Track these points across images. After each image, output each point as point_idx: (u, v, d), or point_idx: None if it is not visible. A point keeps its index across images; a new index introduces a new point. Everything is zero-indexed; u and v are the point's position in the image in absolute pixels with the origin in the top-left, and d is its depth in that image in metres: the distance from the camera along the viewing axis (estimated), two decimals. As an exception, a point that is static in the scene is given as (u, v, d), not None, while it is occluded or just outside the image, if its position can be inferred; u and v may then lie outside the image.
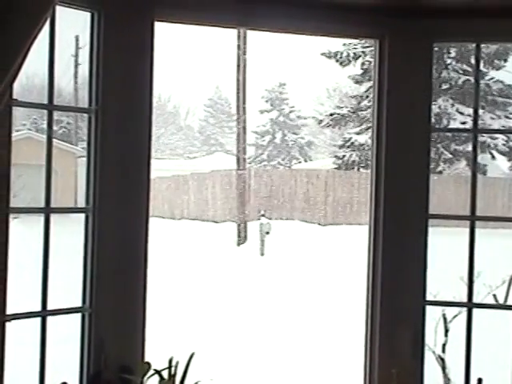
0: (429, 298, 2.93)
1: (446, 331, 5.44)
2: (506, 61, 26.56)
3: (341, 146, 30.28)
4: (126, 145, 2.63)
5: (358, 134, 28.97)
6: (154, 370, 2.55)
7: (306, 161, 45.25)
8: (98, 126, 2.59)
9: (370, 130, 26.69)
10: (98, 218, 2.59)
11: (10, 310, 2.43)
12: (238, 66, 22.61)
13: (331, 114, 29.66)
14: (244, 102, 22.70)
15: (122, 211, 2.62)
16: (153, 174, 2.74)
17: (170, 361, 2.55)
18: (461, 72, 26.02)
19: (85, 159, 2.69)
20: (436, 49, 2.92)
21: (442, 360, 4.96)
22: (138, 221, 2.65)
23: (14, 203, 2.44)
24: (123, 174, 2.62)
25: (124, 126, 2.62)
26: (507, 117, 26.68)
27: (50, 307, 2.54)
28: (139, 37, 2.62)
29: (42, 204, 2.54)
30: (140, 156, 2.65)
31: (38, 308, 2.52)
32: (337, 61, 28.33)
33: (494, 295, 6.60)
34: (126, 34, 2.60)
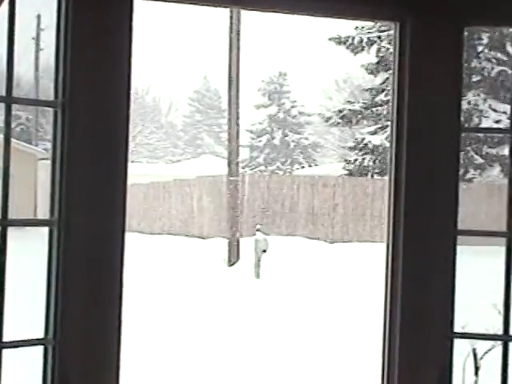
0: (456, 329, 2.93)
1: (477, 369, 5.44)
2: (547, 48, 26.65)
3: (352, 149, 30.38)
4: (99, 145, 2.63)
5: (372, 134, 29.07)
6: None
7: (310, 165, 45.36)
8: (65, 122, 2.59)
9: (387, 130, 26.77)
10: (64, 232, 2.59)
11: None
12: (231, 52, 22.65)
13: (340, 111, 29.78)
14: (237, 95, 22.72)
15: (92, 224, 2.62)
16: (128, 181, 2.75)
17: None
18: (494, 61, 26.12)
19: (47, 162, 2.70)
20: (466, 33, 2.94)
21: (473, 403, 4.97)
22: (111, 236, 2.65)
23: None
24: (94, 179, 2.62)
25: (96, 122, 2.62)
26: (549, 114, 26.72)
27: (6, 338, 2.53)
28: (115, 17, 2.63)
29: (-3, 215, 2.53)
30: (115, 158, 2.65)
31: (-9, 339, 2.52)
32: (348, 47, 28.45)
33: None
34: (100, 13, 2.60)
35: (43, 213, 25.42)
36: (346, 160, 31.20)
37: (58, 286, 2.60)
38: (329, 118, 30.42)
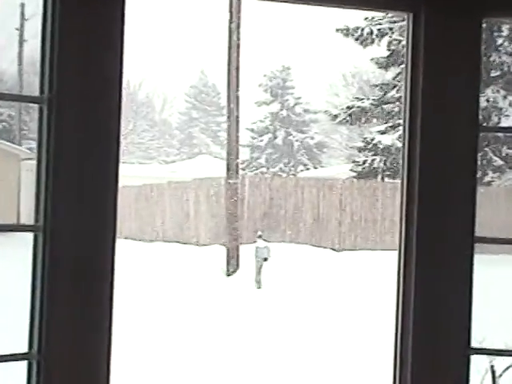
0: (474, 344, 2.93)
1: (496, 388, 5.44)
2: None
3: (361, 149, 30.40)
4: (88, 144, 2.63)
5: (382, 133, 29.09)
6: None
7: (315, 167, 45.38)
8: (52, 119, 2.60)
9: (398, 129, 26.78)
10: (49, 238, 2.59)
11: None
12: (230, 44, 22.68)
13: (349, 108, 29.80)
14: (237, 91, 22.75)
15: (81, 229, 2.62)
16: (119, 183, 2.75)
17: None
18: (515, 55, 26.12)
19: (32, 162, 2.70)
20: (484, 25, 2.94)
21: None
22: (101, 242, 2.65)
23: None
24: (83, 181, 2.62)
25: (85, 119, 2.62)
26: None
27: (-14, 353, 2.54)
28: (106, 5, 2.63)
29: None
30: (105, 159, 2.65)
31: (-29, 353, 2.52)
32: (356, 39, 28.47)
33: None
34: (90, 1, 2.61)
35: (27, 217, 25.41)
36: (354, 161, 31.23)
37: (43, 296, 2.60)
38: (336, 116, 30.44)
